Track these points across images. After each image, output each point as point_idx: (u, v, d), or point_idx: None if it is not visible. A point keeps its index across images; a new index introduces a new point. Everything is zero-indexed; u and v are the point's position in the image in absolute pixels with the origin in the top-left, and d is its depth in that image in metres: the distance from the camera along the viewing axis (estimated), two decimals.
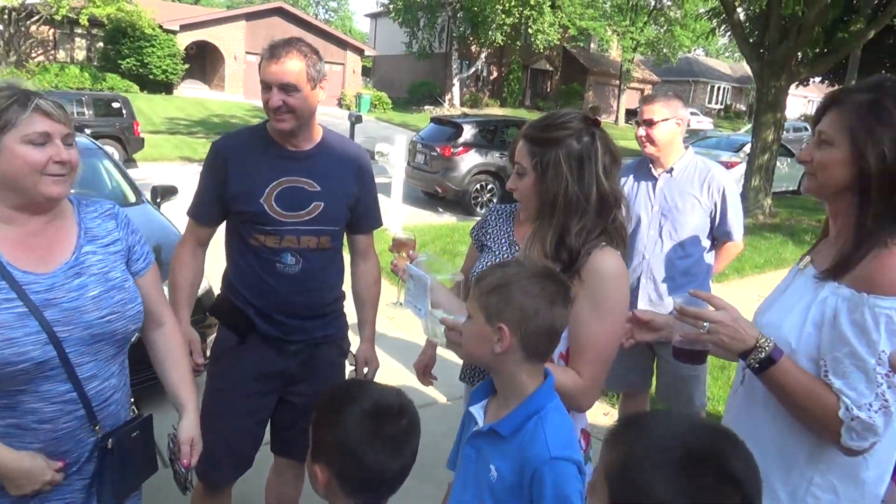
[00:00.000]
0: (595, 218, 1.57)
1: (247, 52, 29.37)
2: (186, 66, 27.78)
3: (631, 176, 2.94)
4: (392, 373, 4.13)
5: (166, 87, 27.42)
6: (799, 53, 11.38)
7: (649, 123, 2.77)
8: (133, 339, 1.63)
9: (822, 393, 1.32)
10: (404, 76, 33.63)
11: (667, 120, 2.76)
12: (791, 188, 16.53)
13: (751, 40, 11.52)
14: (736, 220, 2.83)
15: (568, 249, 1.55)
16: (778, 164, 12.77)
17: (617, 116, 37.37)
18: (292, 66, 1.96)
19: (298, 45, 1.99)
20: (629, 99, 39.09)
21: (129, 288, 1.58)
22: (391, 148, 8.82)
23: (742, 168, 12.74)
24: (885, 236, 1.32)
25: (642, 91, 42.94)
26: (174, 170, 12.91)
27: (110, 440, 1.53)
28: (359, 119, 17.74)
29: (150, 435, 1.67)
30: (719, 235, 2.88)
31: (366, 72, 36.67)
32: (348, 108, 28.43)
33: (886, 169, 1.30)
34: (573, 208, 1.56)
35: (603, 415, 4.15)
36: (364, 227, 2.33)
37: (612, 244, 1.59)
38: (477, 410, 1.44)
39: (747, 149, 12.71)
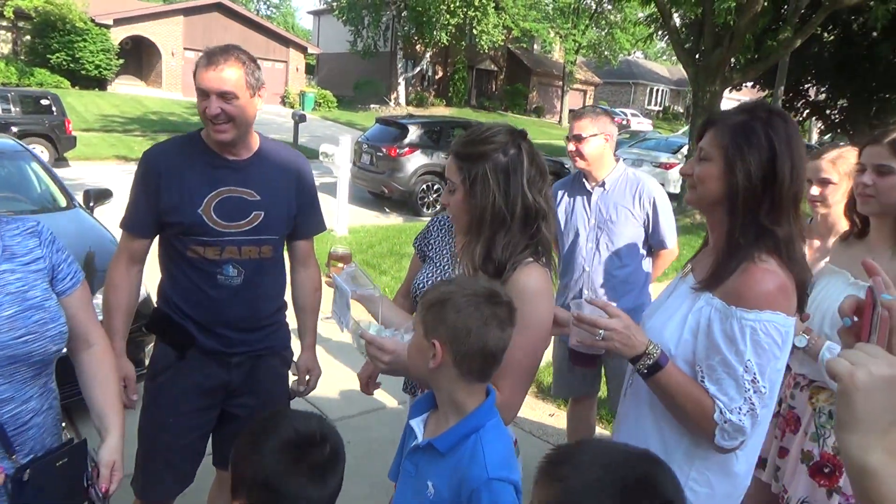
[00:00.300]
0: (520, 230, 1.58)
1: (185, 49, 28.55)
2: (121, 61, 26.80)
3: (566, 192, 3.00)
4: (337, 380, 4.10)
5: (99, 84, 26.39)
6: (732, 59, 11.82)
7: (578, 139, 2.82)
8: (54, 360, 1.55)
9: (701, 397, 1.42)
10: (349, 75, 33.30)
11: (595, 136, 2.81)
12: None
13: (686, 46, 11.89)
14: (668, 228, 2.90)
15: (494, 263, 1.56)
16: None
17: (560, 117, 37.94)
18: (230, 74, 1.91)
19: (237, 53, 1.95)
20: (572, 100, 39.77)
21: (50, 308, 1.50)
22: (336, 149, 8.73)
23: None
24: (754, 251, 1.41)
25: (585, 92, 43.81)
26: (109, 170, 12.45)
27: (27, 472, 1.41)
28: (303, 118, 17.53)
29: (81, 463, 1.55)
30: (654, 244, 2.95)
31: (309, 70, 36.16)
32: (292, 107, 27.99)
33: (752, 186, 1.40)
34: (500, 222, 1.57)
35: (549, 416, 4.22)
36: (304, 234, 2.30)
37: (538, 259, 1.59)
38: (417, 424, 1.45)
39: (685, 150, 13.14)
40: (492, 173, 1.55)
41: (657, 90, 49.57)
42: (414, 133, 11.07)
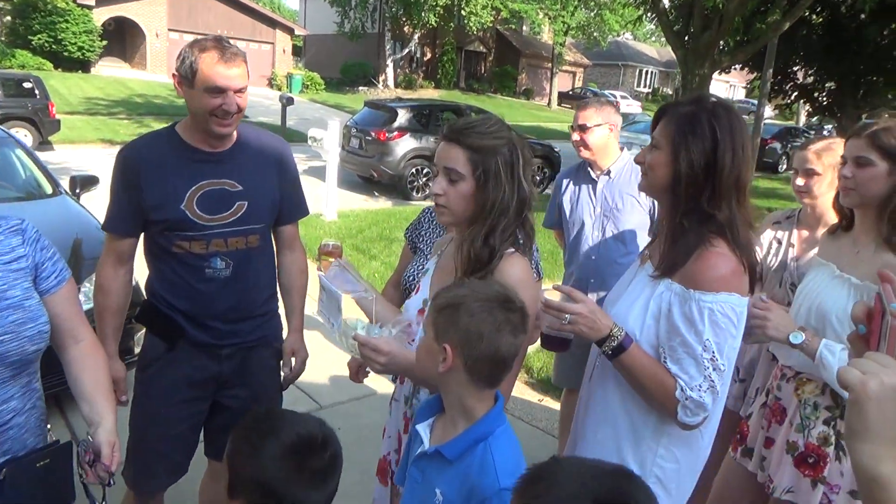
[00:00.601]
0: (514, 218, 1.61)
1: (169, 30, 28.13)
2: (104, 43, 26.35)
3: (571, 180, 3.01)
4: (327, 366, 4.11)
5: (83, 66, 25.96)
6: (721, 42, 11.79)
7: (583, 129, 2.83)
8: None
9: (663, 376, 1.50)
10: (336, 56, 32.96)
11: (599, 125, 2.83)
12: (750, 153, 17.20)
13: (675, 28, 11.85)
14: None
15: (490, 248, 1.58)
16: None
17: (550, 99, 37.85)
18: (243, 69, 1.94)
19: (236, 47, 1.96)
20: (561, 82, 39.63)
21: (30, 307, 1.48)
22: (325, 133, 8.67)
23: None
24: (706, 237, 1.50)
25: (574, 74, 43.65)
26: (94, 153, 12.32)
27: (3, 471, 1.39)
28: (290, 101, 17.35)
29: (66, 464, 1.52)
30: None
31: (296, 51, 35.76)
32: (279, 89, 27.68)
33: (693, 174, 1.49)
34: (502, 212, 1.59)
35: (537, 401, 4.26)
36: (289, 219, 2.28)
37: (520, 249, 1.62)
38: (423, 429, 1.44)
39: None
40: (503, 167, 1.57)
41: (646, 72, 49.49)
42: (403, 117, 11.01)
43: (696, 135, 1.50)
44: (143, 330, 2.23)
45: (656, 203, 2.87)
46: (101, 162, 9.07)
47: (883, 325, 0.88)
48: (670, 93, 47.44)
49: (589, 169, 2.94)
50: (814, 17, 15.60)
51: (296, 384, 4.00)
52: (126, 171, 2.01)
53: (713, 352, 1.46)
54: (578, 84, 43.81)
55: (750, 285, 1.55)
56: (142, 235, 2.09)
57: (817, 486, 1.87)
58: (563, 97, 39.16)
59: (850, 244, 1.91)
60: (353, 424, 3.69)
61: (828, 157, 2.27)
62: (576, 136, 2.87)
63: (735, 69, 19.15)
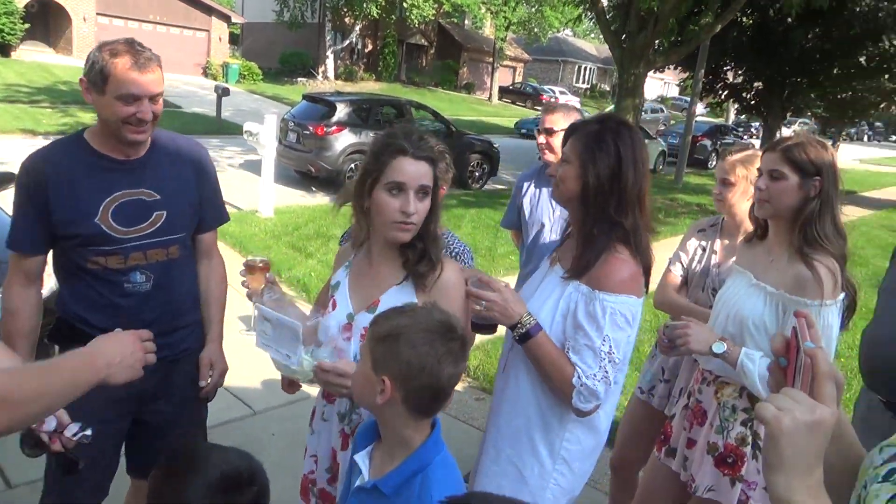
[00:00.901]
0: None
1: (98, 14, 26.90)
2: (27, 26, 25.01)
3: (531, 183, 3.04)
4: (260, 370, 4.01)
5: (2, 50, 24.58)
6: (656, 43, 12.11)
7: (549, 132, 2.86)
8: None
9: (564, 364, 1.66)
10: (275, 46, 32.24)
11: (565, 130, 2.87)
12: (648, 167, 17.70)
13: (613, 28, 12.10)
14: None
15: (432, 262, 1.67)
16: None
17: (490, 94, 38.08)
18: (158, 75, 1.85)
19: (149, 51, 1.87)
20: (502, 76, 39.94)
21: None
22: (261, 127, 8.46)
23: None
24: (611, 243, 1.67)
25: (515, 69, 44.04)
26: (14, 144, 11.66)
27: None
28: (226, 91, 16.92)
29: None
30: None
31: (233, 40, 34.80)
32: (214, 79, 26.93)
33: (600, 185, 1.66)
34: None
35: (475, 399, 4.28)
36: (208, 226, 2.20)
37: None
38: (362, 459, 1.41)
39: None
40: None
41: (585, 68, 50.38)
42: (342, 111, 10.85)
43: (602, 151, 1.66)
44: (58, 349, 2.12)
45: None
46: (22, 153, 8.63)
47: (798, 361, 0.92)
48: (608, 89, 48.45)
49: (550, 172, 2.97)
50: (744, 19, 16.18)
51: (228, 389, 3.93)
52: (31, 184, 1.87)
53: (611, 346, 1.63)
54: (519, 79, 44.25)
55: (645, 285, 1.75)
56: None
57: (736, 483, 1.95)
58: (504, 92, 39.48)
59: (764, 253, 1.99)
60: (287, 429, 3.63)
61: (742, 168, 2.37)
62: (542, 139, 2.90)
63: (669, 68, 19.69)
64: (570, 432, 1.76)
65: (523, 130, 24.48)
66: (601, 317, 1.63)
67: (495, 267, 7.49)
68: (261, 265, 1.93)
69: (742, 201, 2.37)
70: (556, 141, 2.86)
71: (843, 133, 26.99)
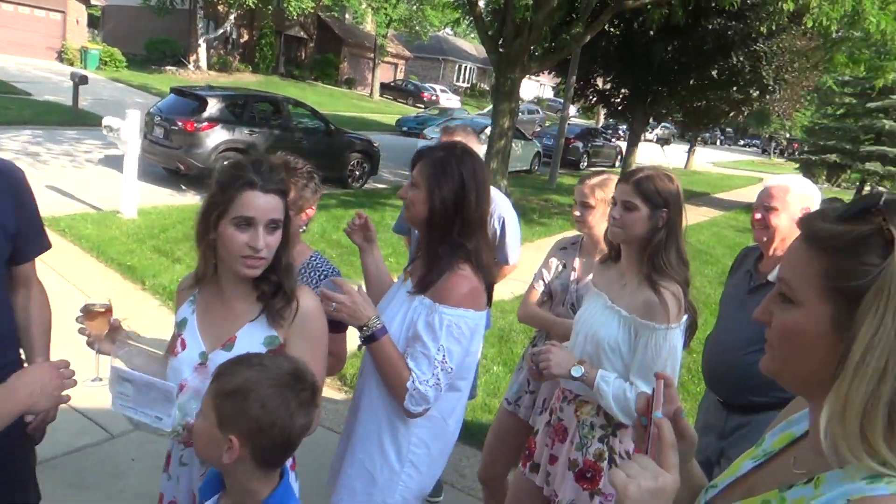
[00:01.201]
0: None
1: None
2: None
3: None
4: (106, 395, 3.75)
5: None
6: (532, 48, 12.52)
7: None
8: None
9: (402, 369, 1.76)
10: (140, 31, 30.17)
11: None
12: (524, 168, 18.33)
13: (490, 33, 12.37)
14: (513, 246, 3.18)
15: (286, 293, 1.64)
16: (513, 146, 14.02)
17: (372, 90, 37.85)
18: None
19: None
20: (384, 73, 39.80)
21: None
22: (122, 122, 7.88)
23: (483, 148, 13.76)
24: (453, 261, 1.78)
25: (396, 66, 44.02)
26: None
27: None
28: (84, 79, 15.64)
29: None
30: (499, 259, 3.16)
31: (93, 23, 32.24)
32: (71, 65, 24.85)
33: (445, 209, 1.78)
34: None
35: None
36: (27, 256, 1.95)
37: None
38: None
39: (487, 131, 13.74)
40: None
41: (465, 67, 51.28)
42: (214, 106, 10.35)
43: (447, 176, 1.78)
44: None
45: (498, 228, 3.13)
46: None
47: (650, 428, 0.99)
48: (487, 88, 49.60)
49: None
50: (612, 30, 17.11)
51: (84, 413, 3.64)
52: None
53: (444, 356, 1.74)
54: (400, 76, 44.31)
55: (488, 300, 1.87)
56: None
57: (594, 497, 2.06)
58: (386, 88, 39.38)
59: (618, 276, 2.11)
60: (148, 452, 3.42)
61: (600, 191, 2.53)
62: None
63: (545, 72, 20.46)
64: (418, 437, 1.86)
65: (405, 128, 24.53)
66: (438, 328, 1.74)
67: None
68: (102, 309, 1.73)
69: (601, 222, 2.51)
70: None
71: (699, 138, 29.22)
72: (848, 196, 17.74)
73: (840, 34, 12.03)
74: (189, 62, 29.13)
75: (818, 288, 0.83)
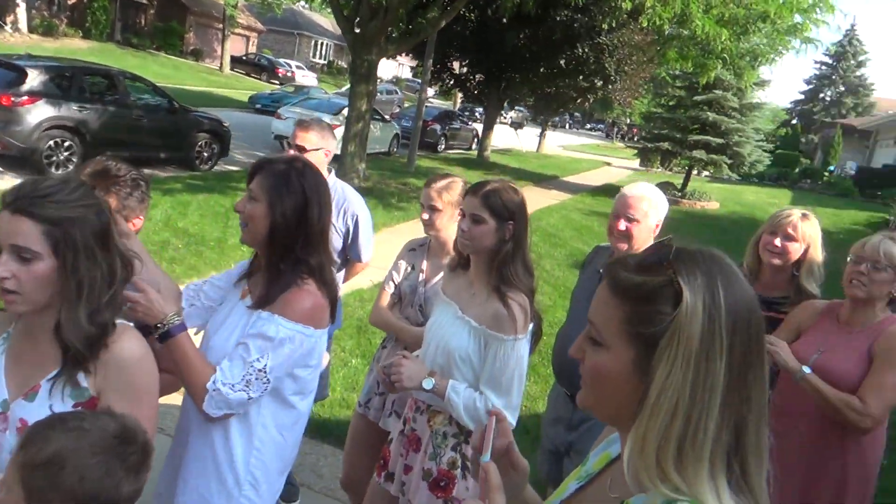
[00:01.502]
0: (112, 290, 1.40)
1: None
2: None
3: None
4: None
5: None
6: (389, 30, 12.41)
7: (301, 150, 2.88)
8: None
9: (204, 367, 1.69)
10: None
11: (317, 150, 2.93)
12: (382, 149, 18.24)
13: (346, 13, 12.10)
14: (366, 244, 3.16)
15: (100, 325, 1.38)
16: (372, 127, 13.90)
17: (222, 63, 35.81)
18: None
19: None
20: (234, 45, 37.76)
21: None
22: None
23: (341, 130, 13.51)
24: (297, 276, 1.73)
25: (248, 38, 41.95)
26: None
27: None
28: None
29: None
30: (352, 256, 3.17)
31: None
32: None
33: (286, 224, 1.72)
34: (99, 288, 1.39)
35: None
36: None
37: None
38: None
39: (345, 112, 13.49)
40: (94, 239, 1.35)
41: (322, 43, 49.95)
42: (36, 79, 9.26)
43: (290, 190, 1.72)
44: None
45: (351, 226, 3.08)
46: None
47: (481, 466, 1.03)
48: (345, 66, 48.67)
49: None
50: (468, 14, 17.38)
51: None
52: None
53: (266, 366, 1.67)
54: (253, 49, 42.30)
55: (331, 315, 1.82)
56: None
57: None
58: (237, 62, 37.45)
59: (467, 285, 2.14)
60: None
61: (447, 194, 2.57)
62: (292, 154, 2.87)
63: (403, 56, 20.41)
64: (257, 458, 1.80)
65: (258, 105, 23.50)
66: (270, 338, 1.67)
67: (225, 260, 7.10)
68: None
69: (449, 225, 2.56)
70: (310, 160, 2.85)
71: (550, 122, 30.63)
72: (679, 179, 19.47)
73: (671, 32, 13.04)
74: (5, 23, 25.89)
75: (622, 333, 0.90)
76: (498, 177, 2.09)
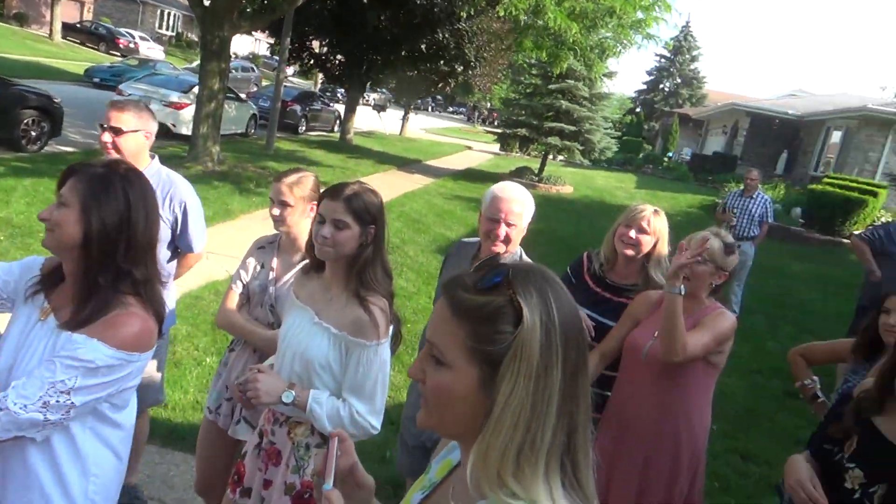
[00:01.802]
0: None
1: None
2: None
3: None
4: None
5: None
6: (242, 5, 11.77)
7: (117, 132, 2.69)
8: None
9: None
10: None
11: (136, 132, 2.73)
12: (239, 130, 17.42)
13: None
14: (197, 234, 2.94)
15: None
16: (226, 107, 13.18)
17: (51, 29, 32.35)
18: None
19: None
20: (66, 11, 34.25)
21: None
22: None
23: (192, 109, 12.69)
24: (121, 295, 1.59)
25: (83, 4, 38.23)
26: None
27: None
28: None
29: None
30: (182, 247, 2.95)
31: None
32: None
33: (107, 232, 1.58)
34: None
35: None
36: None
37: None
38: None
39: (196, 90, 12.68)
40: None
41: (169, 13, 46.62)
42: None
43: (110, 196, 1.58)
44: None
45: (179, 215, 2.85)
46: None
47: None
48: (196, 39, 45.77)
49: None
50: None
51: None
52: None
53: (70, 389, 1.48)
54: (88, 16, 38.61)
55: (159, 333, 1.67)
56: None
57: None
58: (70, 30, 34.04)
59: (323, 289, 2.06)
60: None
61: (298, 189, 2.47)
62: (107, 138, 2.70)
63: (259, 33, 19.49)
64: (97, 484, 1.66)
65: (96, 79, 21.57)
66: (84, 364, 1.49)
67: None
68: None
69: (301, 221, 2.48)
70: (124, 143, 2.71)
71: (412, 105, 30.70)
72: (536, 164, 20.29)
73: (527, 22, 13.47)
74: None
75: (465, 351, 0.91)
76: (355, 179, 2.02)
